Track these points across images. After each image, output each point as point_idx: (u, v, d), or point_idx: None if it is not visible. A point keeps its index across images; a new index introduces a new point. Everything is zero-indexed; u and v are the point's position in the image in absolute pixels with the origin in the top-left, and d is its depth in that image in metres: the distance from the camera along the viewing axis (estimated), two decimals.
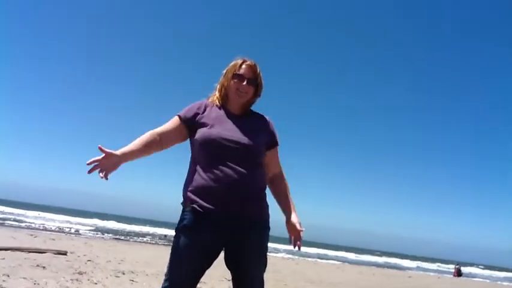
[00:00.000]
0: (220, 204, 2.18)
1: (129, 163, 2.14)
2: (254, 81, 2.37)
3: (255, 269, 2.36)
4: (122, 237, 28.99)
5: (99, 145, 2.00)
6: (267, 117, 2.50)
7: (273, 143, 2.45)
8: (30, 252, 9.73)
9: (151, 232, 43.03)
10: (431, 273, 30.06)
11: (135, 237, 29.77)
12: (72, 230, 28.44)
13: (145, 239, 28.97)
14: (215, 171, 2.18)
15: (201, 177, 2.21)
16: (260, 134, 2.37)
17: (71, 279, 6.12)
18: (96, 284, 6.04)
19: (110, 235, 30.13)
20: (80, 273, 6.93)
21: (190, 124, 2.33)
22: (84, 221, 43.89)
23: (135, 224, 52.33)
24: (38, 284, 5.47)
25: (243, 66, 2.37)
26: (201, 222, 2.20)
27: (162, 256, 14.80)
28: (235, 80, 2.35)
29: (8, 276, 5.78)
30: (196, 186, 2.23)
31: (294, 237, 2.47)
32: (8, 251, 9.24)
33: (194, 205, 2.21)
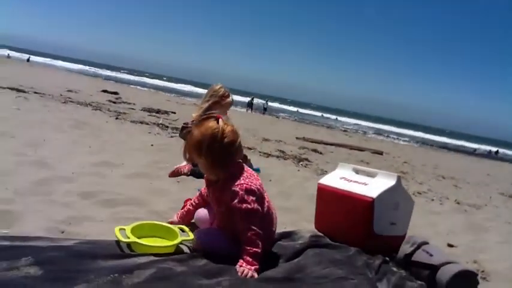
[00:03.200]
0: None
1: None
2: None
3: None
4: (429, 145, 28.72)
5: None
6: None
7: None
8: (351, 149, 10.70)
9: (465, 145, 41.49)
10: None
11: (444, 150, 28.95)
12: (383, 136, 30.08)
13: (459, 151, 27.82)
14: None
15: None
16: None
17: None
18: (421, 184, 6.08)
19: (419, 144, 30.32)
20: (403, 172, 7.12)
21: None
22: (392, 129, 45.61)
23: (447, 137, 51.48)
24: None
25: None
26: None
27: (479, 168, 13.89)
28: None
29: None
30: None
31: None
32: (333, 146, 10.42)
33: None
